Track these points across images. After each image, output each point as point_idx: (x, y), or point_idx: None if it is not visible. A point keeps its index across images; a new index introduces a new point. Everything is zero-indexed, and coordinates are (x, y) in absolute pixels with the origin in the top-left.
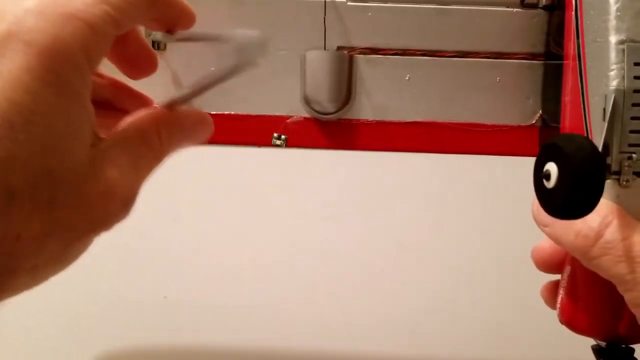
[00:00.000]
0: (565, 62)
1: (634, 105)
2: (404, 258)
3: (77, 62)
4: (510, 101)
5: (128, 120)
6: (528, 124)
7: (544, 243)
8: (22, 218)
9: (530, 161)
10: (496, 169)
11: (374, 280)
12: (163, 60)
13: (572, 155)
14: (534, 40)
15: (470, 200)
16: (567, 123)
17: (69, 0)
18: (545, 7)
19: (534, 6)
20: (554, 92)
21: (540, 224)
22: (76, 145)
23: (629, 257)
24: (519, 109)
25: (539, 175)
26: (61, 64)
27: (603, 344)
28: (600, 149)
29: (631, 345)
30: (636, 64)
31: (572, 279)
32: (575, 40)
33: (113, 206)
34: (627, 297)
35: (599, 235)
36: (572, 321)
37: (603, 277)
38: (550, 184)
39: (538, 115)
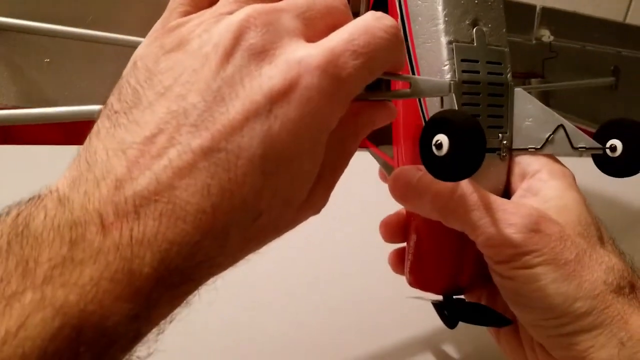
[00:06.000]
0: None
1: (464, 93)
2: None
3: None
4: None
5: None
6: None
7: (392, 217)
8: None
9: None
10: None
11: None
12: None
13: (461, 127)
14: None
15: None
16: (402, 120)
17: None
18: None
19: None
20: None
21: (401, 201)
22: (307, 182)
23: (479, 205)
24: None
25: (429, 145)
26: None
27: (440, 298)
28: None
29: (462, 296)
30: (463, 60)
31: (418, 245)
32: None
33: (310, 215)
34: (480, 240)
35: (453, 190)
36: (419, 281)
37: (457, 229)
38: (442, 152)
39: None
